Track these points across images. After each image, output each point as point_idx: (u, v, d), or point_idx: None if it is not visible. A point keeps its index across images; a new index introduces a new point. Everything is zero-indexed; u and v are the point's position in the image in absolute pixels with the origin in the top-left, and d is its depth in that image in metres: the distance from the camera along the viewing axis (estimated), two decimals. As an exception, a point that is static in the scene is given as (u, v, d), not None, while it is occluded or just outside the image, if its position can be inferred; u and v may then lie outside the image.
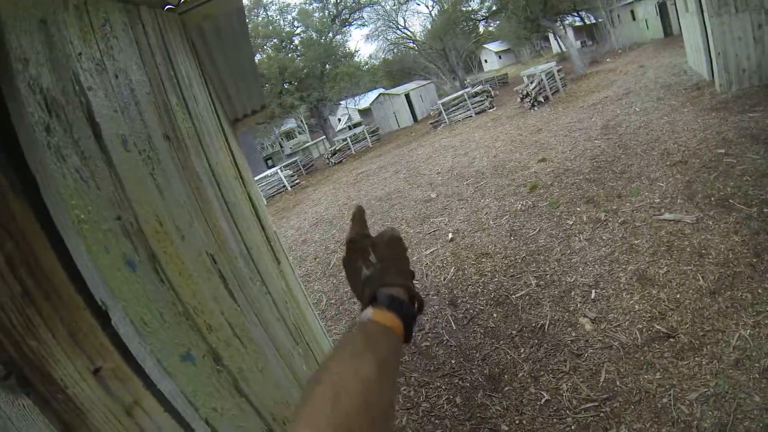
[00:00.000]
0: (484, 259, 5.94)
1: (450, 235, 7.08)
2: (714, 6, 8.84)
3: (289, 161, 27.01)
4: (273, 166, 28.22)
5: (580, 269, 4.96)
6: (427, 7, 35.75)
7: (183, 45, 2.36)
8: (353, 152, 25.64)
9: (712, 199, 5.34)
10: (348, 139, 26.24)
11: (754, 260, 3.98)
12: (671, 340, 3.47)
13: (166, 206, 1.41)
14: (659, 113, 9.59)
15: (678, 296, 3.93)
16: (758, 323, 3.32)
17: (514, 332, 4.31)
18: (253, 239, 2.59)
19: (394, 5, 35.55)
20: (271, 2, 28.61)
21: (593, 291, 4.48)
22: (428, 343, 4.63)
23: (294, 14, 30.18)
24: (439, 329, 4.78)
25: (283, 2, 29.86)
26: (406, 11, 38.42)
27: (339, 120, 44.43)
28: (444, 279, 5.82)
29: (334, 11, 30.85)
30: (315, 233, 10.44)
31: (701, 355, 3.24)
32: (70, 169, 0.96)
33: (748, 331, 3.27)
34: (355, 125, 35.90)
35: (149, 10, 1.86)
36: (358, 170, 18.09)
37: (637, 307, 4.01)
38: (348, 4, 31.44)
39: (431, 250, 6.84)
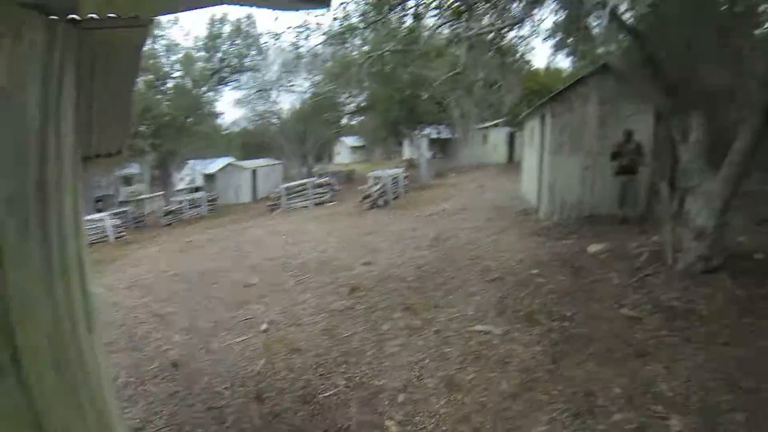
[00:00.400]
0: (295, 355, 6.13)
1: (264, 326, 7.19)
2: (552, 146, 11.28)
3: (120, 210, 26.56)
4: (102, 210, 26.44)
5: (390, 373, 5.41)
6: (303, 87, 37.87)
7: (73, 67, 2.36)
8: (187, 217, 26.13)
9: (521, 313, 6.39)
10: (185, 202, 26.85)
11: (551, 366, 4.89)
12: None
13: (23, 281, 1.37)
14: (487, 232, 11.18)
15: (482, 399, 4.56)
16: (553, 419, 4.09)
17: (319, 431, 4.49)
18: (76, 303, 2.51)
19: (274, 78, 37.14)
20: (161, 36, 28.15)
21: (401, 394, 4.91)
22: (226, 439, 4.57)
23: (179, 56, 30.34)
24: (243, 424, 4.75)
25: (173, 40, 29.52)
26: (281, 87, 39.89)
27: (181, 179, 43.02)
28: (252, 371, 5.84)
29: (217, 66, 31.68)
30: (127, 297, 9.73)
31: (493, 452, 3.78)
32: None
33: (543, 427, 3.99)
34: (197, 189, 35.23)
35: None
36: (186, 238, 17.80)
37: (442, 410, 4.51)
38: (232, 64, 32.66)
39: (243, 338, 6.86)
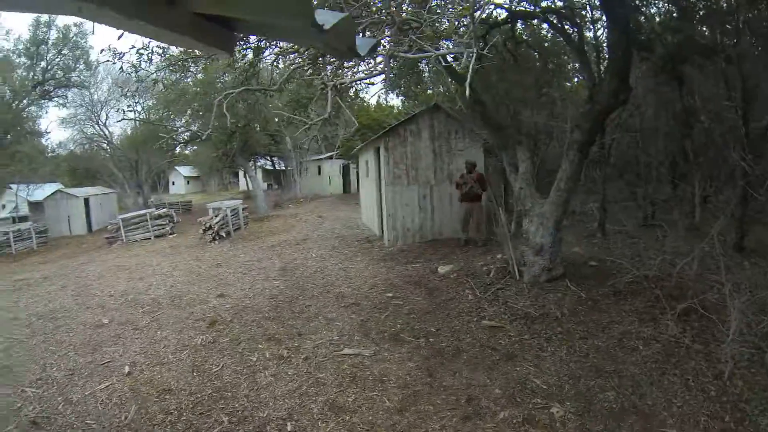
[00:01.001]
0: (167, 396, 5.70)
1: (127, 368, 6.57)
2: (390, 177, 11.91)
3: None
4: None
5: (271, 404, 5.29)
6: (134, 112, 34.80)
7: None
8: (14, 252, 22.73)
9: (386, 334, 6.67)
10: (10, 233, 23.21)
11: (429, 379, 5.19)
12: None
13: None
14: (334, 260, 11.40)
15: (370, 418, 4.66)
16: (444, 426, 4.36)
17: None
18: None
19: (104, 98, 33.62)
20: None
21: (288, 423, 4.82)
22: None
23: None
24: None
25: None
26: (112, 108, 36.32)
27: (3, 206, 36.82)
28: (125, 418, 5.30)
29: (41, 77, 27.05)
30: None
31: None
32: None
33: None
34: (22, 218, 30.33)
35: None
36: (17, 275, 15.32)
37: (334, 432, 4.52)
38: (57, 76, 28.30)
39: (106, 384, 6.18)
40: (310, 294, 8.97)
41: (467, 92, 4.85)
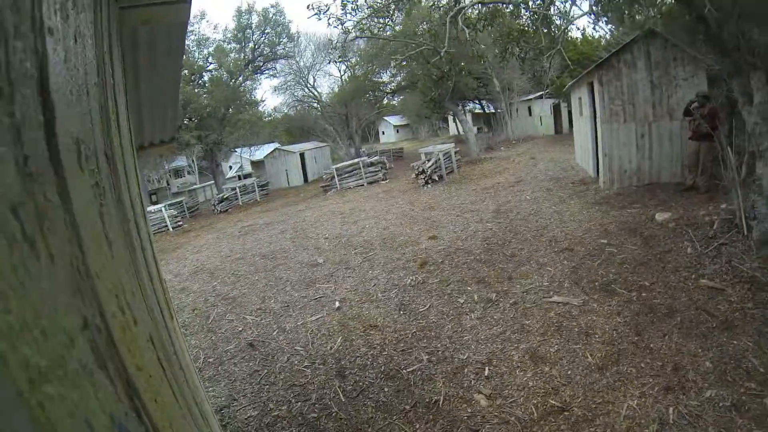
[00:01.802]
0: (372, 332, 6.12)
1: (337, 304, 7.22)
2: (606, 114, 10.80)
3: (175, 201, 26.87)
4: (157, 203, 27.25)
5: (473, 347, 5.34)
6: (339, 71, 37.72)
7: (118, 47, 2.23)
8: (240, 203, 26.12)
9: (596, 284, 6.16)
10: (237, 188, 26.86)
11: (636, 338, 4.68)
12: (566, 413, 3.88)
13: (117, 271, 1.11)
14: (548, 203, 10.87)
15: (569, 372, 4.42)
16: (644, 394, 3.91)
17: (407, 407, 4.46)
18: (160, 294, 2.32)
19: (308, 63, 37.29)
20: (190, 32, 28.56)
21: (487, 368, 4.84)
22: (315, 415, 4.60)
23: (210, 50, 30.69)
24: (327, 400, 4.79)
25: (203, 35, 29.96)
26: (317, 71, 40.14)
27: (230, 167, 44.25)
28: (330, 348, 5.88)
29: (250, 56, 31.82)
30: (194, 282, 10.01)
31: (595, 425, 3.67)
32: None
33: (635, 401, 3.82)
34: (246, 176, 35.98)
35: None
36: (243, 223, 18.02)
37: (530, 383, 4.41)
38: (264, 53, 32.61)
39: (317, 317, 6.91)
40: (523, 237, 8.76)
41: (683, 9, 4.01)
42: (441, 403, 4.44)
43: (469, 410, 4.25)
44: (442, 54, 9.67)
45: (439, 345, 5.52)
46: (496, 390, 4.45)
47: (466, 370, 4.91)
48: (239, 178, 36.35)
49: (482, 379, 4.67)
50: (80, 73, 1.07)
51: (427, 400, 4.53)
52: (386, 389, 4.84)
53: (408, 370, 5.12)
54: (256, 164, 37.34)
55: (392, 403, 4.58)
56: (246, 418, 4.79)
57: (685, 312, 5.11)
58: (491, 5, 9.99)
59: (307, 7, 9.88)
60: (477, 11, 9.69)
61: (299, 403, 4.86)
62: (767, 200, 6.32)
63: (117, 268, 1.10)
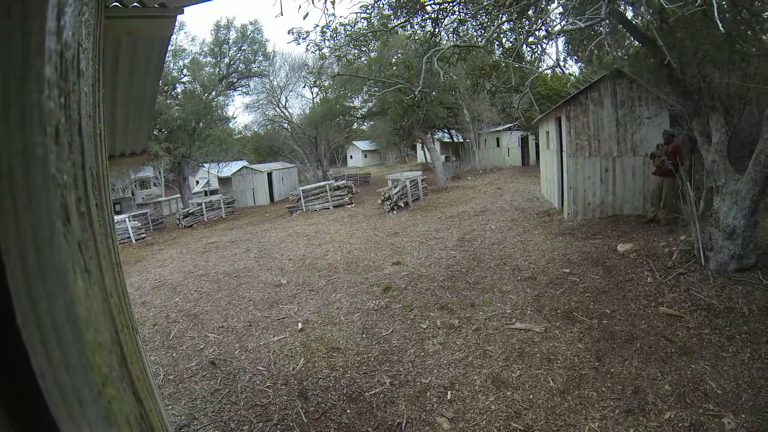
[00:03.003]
0: (335, 354, 6.11)
1: (300, 325, 7.18)
2: (572, 148, 11.22)
3: (139, 212, 26.59)
4: (121, 213, 26.59)
5: (435, 371, 5.38)
6: (312, 92, 37.86)
7: (100, 52, 2.27)
8: (206, 219, 25.93)
9: (558, 311, 6.33)
10: (203, 204, 26.63)
11: (597, 364, 4.83)
12: (525, 436, 3.94)
13: (113, 288, 1.19)
14: (513, 233, 11.12)
15: (531, 397, 4.51)
16: (605, 416, 4.03)
17: (370, 429, 4.46)
18: (123, 302, 2.30)
19: (282, 83, 37.38)
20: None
21: (449, 392, 4.88)
22: (275, 436, 4.56)
23: (186, 62, 30.35)
24: (289, 421, 4.74)
25: (180, 45, 29.67)
26: (290, 91, 40.16)
27: (197, 182, 43.70)
28: (293, 369, 5.83)
29: (225, 71, 31.62)
30: (156, 297, 9.78)
31: (552, 447, 3.73)
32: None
33: (597, 423, 3.94)
34: (213, 192, 35.67)
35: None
36: (208, 239, 17.83)
37: (493, 407, 4.48)
38: (239, 69, 32.52)
39: (280, 337, 6.85)
40: (486, 265, 8.91)
41: (650, 53, 4.28)
42: (404, 425, 4.45)
43: (431, 432, 4.27)
44: (416, 93, 9.90)
45: (401, 369, 5.54)
46: (459, 413, 4.49)
47: (428, 393, 4.94)
48: (206, 193, 36.05)
49: (445, 403, 4.71)
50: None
51: (390, 422, 4.53)
52: (349, 411, 4.83)
53: (370, 392, 5.12)
54: (224, 181, 37.18)
55: (355, 425, 4.57)
56: None
57: (644, 338, 5.29)
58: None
59: (288, 32, 10.01)
60: (451, 48, 9.98)
61: (261, 423, 4.79)
62: (723, 233, 6.64)
63: (111, 285, 1.14)
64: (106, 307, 0.84)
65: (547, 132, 14.60)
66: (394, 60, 23.56)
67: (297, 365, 5.93)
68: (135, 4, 2.35)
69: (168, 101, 29.03)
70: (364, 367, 5.69)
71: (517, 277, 8.02)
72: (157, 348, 7.09)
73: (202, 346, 6.94)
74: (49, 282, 0.70)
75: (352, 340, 6.49)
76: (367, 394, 5.10)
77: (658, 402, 4.17)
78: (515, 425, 4.14)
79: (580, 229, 10.28)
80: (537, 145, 24.80)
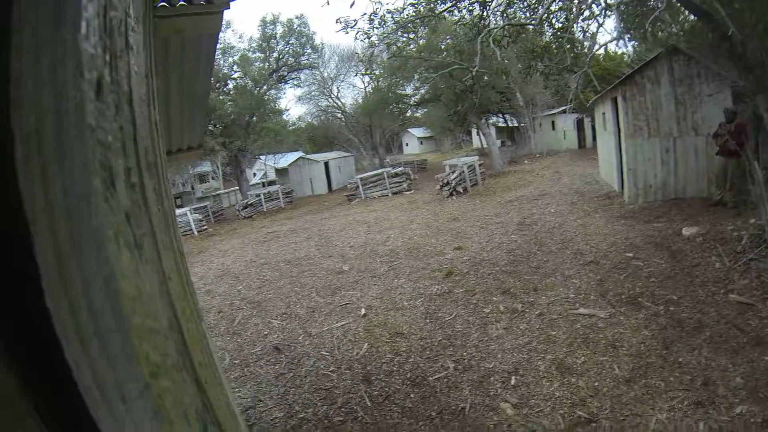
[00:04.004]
0: (398, 339, 6.10)
1: (363, 311, 7.21)
2: (630, 130, 10.67)
3: (200, 205, 26.94)
4: (182, 206, 27.45)
5: (499, 356, 5.28)
6: (363, 82, 37.73)
7: (151, 45, 2.31)
8: (265, 210, 25.87)
9: (623, 296, 6.06)
10: (261, 195, 26.61)
11: (664, 352, 4.59)
12: (593, 424, 3.81)
13: (176, 275, 1.10)
14: (573, 216, 10.75)
15: (596, 384, 4.35)
16: (672, 407, 3.81)
17: (433, 413, 4.43)
18: (187, 291, 2.28)
19: (332, 74, 37.48)
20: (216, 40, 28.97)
21: (513, 377, 4.78)
22: (341, 418, 4.59)
23: (236, 58, 30.77)
24: (353, 405, 4.78)
25: (228, 43, 30.28)
26: (341, 82, 40.19)
27: (255, 174, 44.66)
28: (357, 354, 5.87)
29: (274, 66, 31.82)
30: (220, 286, 10.10)
31: (621, 438, 3.59)
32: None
33: (664, 415, 3.73)
34: (270, 183, 36.15)
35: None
36: (268, 229, 18.01)
37: (557, 393, 4.35)
38: (288, 63, 32.61)
39: (343, 323, 6.90)
40: (548, 249, 8.67)
41: (707, 27, 3.96)
42: (467, 410, 4.40)
43: (495, 418, 4.20)
44: (473, 72, 9.66)
45: (464, 353, 5.48)
46: (523, 399, 4.39)
47: (492, 378, 4.86)
48: (263, 185, 36.50)
49: (509, 388, 4.62)
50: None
51: (453, 407, 4.49)
52: (412, 395, 4.81)
53: (434, 377, 5.09)
54: (281, 172, 37.49)
55: (418, 409, 4.55)
56: (272, 420, 4.80)
57: (714, 326, 4.99)
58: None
59: (337, 20, 10.01)
60: (502, 28, 9.68)
61: (325, 406, 4.86)
62: (797, 216, 6.18)
63: (171, 269, 1.09)
64: (164, 290, 0.79)
65: (603, 113, 13.96)
66: (443, 46, 23.09)
67: (360, 350, 5.97)
68: (182, 2, 2.35)
69: (221, 97, 29.42)
70: (428, 352, 5.66)
71: (579, 261, 7.75)
72: (222, 334, 7.29)
73: (266, 332, 7.08)
74: (85, 253, 0.64)
75: (415, 325, 6.47)
76: (430, 378, 5.07)
77: (728, 395, 3.90)
78: (580, 413, 4.00)
79: (641, 212, 9.82)
80: (593, 128, 23.75)
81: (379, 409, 4.66)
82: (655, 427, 3.62)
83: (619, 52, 26.46)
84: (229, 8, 2.52)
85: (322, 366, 5.73)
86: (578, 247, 8.40)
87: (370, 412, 4.63)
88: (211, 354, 1.83)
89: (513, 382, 4.71)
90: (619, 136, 11.48)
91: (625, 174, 11.16)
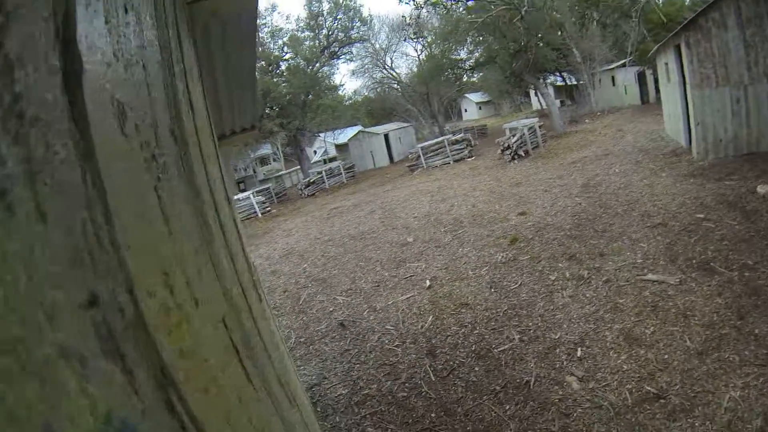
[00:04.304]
0: (463, 310, 5.99)
1: (428, 282, 7.13)
2: (696, 79, 9.63)
3: (262, 187, 27.11)
4: (245, 190, 28.03)
5: (565, 326, 5.06)
6: (416, 50, 36.82)
7: (188, 38, 2.20)
8: (327, 187, 25.69)
9: (694, 261, 5.61)
10: (323, 172, 26.35)
11: (739, 323, 4.20)
12: (662, 401, 3.56)
13: (175, 250, 0.98)
14: (638, 176, 10.09)
15: (666, 357, 4.06)
16: (747, 384, 3.47)
17: (497, 387, 4.32)
18: (244, 276, 2.23)
19: (384, 45, 36.85)
20: (263, 24, 29.07)
21: (579, 349, 4.57)
22: (405, 394, 4.58)
23: (285, 40, 30.69)
24: (417, 380, 4.75)
25: (276, 26, 30.30)
26: (394, 52, 39.44)
27: (315, 152, 45.00)
28: (421, 327, 5.82)
29: (325, 43, 31.46)
30: (285, 265, 10.31)
31: (693, 416, 3.34)
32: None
33: (738, 392, 3.41)
34: (331, 159, 36.20)
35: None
36: (331, 205, 18.08)
37: (625, 366, 4.11)
38: (339, 38, 32.11)
39: (407, 296, 6.86)
40: (614, 212, 8.17)
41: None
42: (532, 384, 4.25)
43: (561, 393, 4.03)
44: (522, 13, 9.06)
45: (530, 324, 5.30)
46: (589, 372, 4.19)
47: (557, 350, 4.67)
48: (324, 161, 36.42)
49: (575, 360, 4.42)
50: (132, 42, 0.99)
51: (518, 380, 4.36)
52: (477, 369, 4.71)
53: (499, 349, 4.96)
54: (341, 147, 37.29)
55: (482, 383, 4.45)
56: (336, 396, 4.84)
57: (795, 294, 4.52)
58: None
59: None
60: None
61: (389, 382, 4.84)
62: None
63: (174, 246, 0.98)
64: (103, 257, 0.67)
65: (666, 63, 12.77)
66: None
67: (425, 323, 5.90)
68: None
69: (275, 79, 29.31)
70: (493, 323, 5.51)
71: (646, 223, 7.25)
72: (288, 313, 7.40)
73: (331, 309, 7.12)
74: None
75: (480, 295, 6.32)
76: (495, 350, 4.95)
77: (811, 370, 3.54)
78: (648, 388, 3.75)
79: (711, 169, 9.03)
80: (656, 80, 21.99)
81: (443, 383, 4.60)
82: (728, 405, 3.33)
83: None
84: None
85: (386, 341, 5.71)
86: (645, 209, 7.87)
87: (434, 386, 4.58)
88: (254, 336, 1.73)
89: (579, 353, 4.50)
90: (685, 87, 10.44)
91: (692, 128, 10.25)
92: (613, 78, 29.69)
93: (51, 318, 0.50)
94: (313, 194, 24.75)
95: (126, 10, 0.98)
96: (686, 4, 22.90)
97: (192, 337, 0.91)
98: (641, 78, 27.45)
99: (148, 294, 0.74)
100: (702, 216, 6.86)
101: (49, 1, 0.58)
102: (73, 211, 0.59)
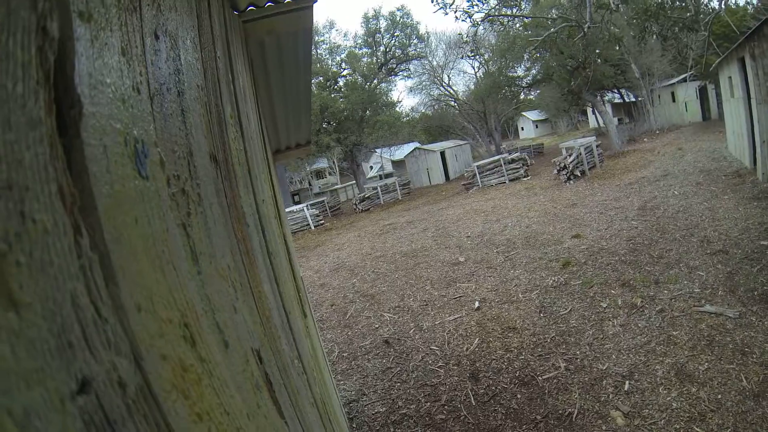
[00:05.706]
0: (510, 334, 5.78)
1: (476, 304, 6.95)
2: (762, 93, 8.79)
3: (317, 200, 27.18)
4: (299, 203, 28.31)
5: (614, 357, 4.77)
6: (473, 68, 36.46)
7: (242, 55, 2.21)
8: (382, 202, 25.38)
9: (756, 293, 5.16)
10: (378, 188, 25.98)
11: None
12: (712, 445, 3.26)
13: (203, 293, 0.87)
14: (698, 198, 9.46)
15: (719, 396, 3.73)
16: None
17: (538, 417, 4.11)
18: (288, 294, 2.15)
19: (441, 62, 36.78)
20: (322, 41, 29.71)
21: (627, 382, 4.28)
22: (443, 417, 4.44)
23: (343, 56, 31.08)
24: (457, 403, 4.60)
25: (334, 43, 30.92)
26: (451, 69, 39.19)
27: (371, 167, 45.16)
28: (466, 350, 5.66)
29: (382, 59, 31.60)
30: (334, 279, 10.35)
31: (745, 466, 3.03)
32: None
33: (798, 444, 3.06)
34: (387, 175, 36.13)
35: (218, -1, 1.63)
36: (385, 221, 17.94)
37: (674, 404, 3.80)
38: (396, 55, 32.16)
39: (455, 316, 6.70)
40: (671, 237, 7.67)
41: None
42: (575, 416, 4.01)
43: (604, 427, 3.78)
44: (585, 29, 8.73)
45: (577, 352, 5.03)
46: (636, 408, 3.91)
47: (604, 382, 4.39)
48: (380, 177, 36.30)
49: (621, 394, 4.14)
50: (161, 71, 0.91)
51: (560, 411, 4.13)
52: (519, 396, 4.52)
53: (543, 377, 4.73)
54: (397, 163, 37.20)
55: (524, 412, 4.25)
56: (373, 414, 4.76)
57: None
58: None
59: (432, 1, 9.54)
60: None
61: (428, 403, 4.72)
62: None
63: (202, 289, 0.86)
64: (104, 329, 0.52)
65: (729, 77, 11.90)
66: (549, 21, 21.56)
67: (471, 345, 5.73)
68: (269, 3, 2.31)
69: (332, 95, 29.42)
70: (539, 349, 5.28)
71: (705, 250, 6.75)
72: (334, 327, 7.38)
73: (377, 326, 7.05)
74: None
75: (528, 319, 6.09)
76: (539, 378, 4.72)
77: None
78: (698, 429, 3.44)
79: (779, 192, 8.34)
80: (718, 96, 20.63)
81: (483, 408, 4.43)
82: (788, 458, 3.01)
83: (741, 3, 22.65)
84: (316, 1, 2.42)
85: (430, 361, 5.59)
86: (705, 234, 7.34)
87: (473, 411, 4.42)
88: (292, 360, 1.67)
89: (627, 387, 4.21)
90: (749, 103, 9.67)
91: (757, 147, 9.46)
92: (673, 94, 28.19)
93: (24, 427, 0.38)
94: (368, 209, 24.55)
95: (157, 37, 0.91)
96: (749, 11, 21.34)
97: (214, 390, 0.79)
98: (703, 93, 25.88)
99: (161, 357, 0.64)
100: (766, 243, 6.31)
101: (31, 43, 0.47)
102: (59, 286, 0.47)
